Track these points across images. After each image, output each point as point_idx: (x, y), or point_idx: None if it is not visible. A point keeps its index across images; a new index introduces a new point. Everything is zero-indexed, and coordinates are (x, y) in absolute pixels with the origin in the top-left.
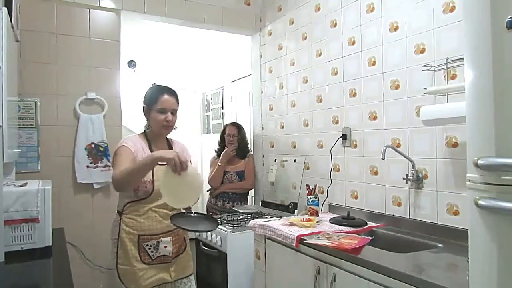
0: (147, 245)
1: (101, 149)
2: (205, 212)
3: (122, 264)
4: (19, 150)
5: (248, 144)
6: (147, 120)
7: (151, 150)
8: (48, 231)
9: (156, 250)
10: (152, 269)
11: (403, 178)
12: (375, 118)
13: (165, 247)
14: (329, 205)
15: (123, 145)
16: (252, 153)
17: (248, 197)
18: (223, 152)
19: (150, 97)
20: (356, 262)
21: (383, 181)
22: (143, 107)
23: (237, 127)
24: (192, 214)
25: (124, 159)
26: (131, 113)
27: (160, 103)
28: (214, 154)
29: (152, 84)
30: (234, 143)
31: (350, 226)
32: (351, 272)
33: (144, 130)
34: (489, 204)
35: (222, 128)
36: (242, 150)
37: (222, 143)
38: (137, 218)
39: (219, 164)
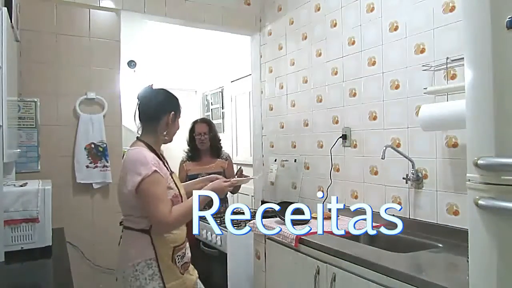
0: (178, 256)
1: (101, 149)
2: None
3: (170, 281)
4: (19, 150)
5: (220, 141)
6: (163, 127)
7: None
8: (48, 231)
9: (182, 258)
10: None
11: (403, 178)
12: (375, 118)
13: (188, 253)
14: None
15: (156, 171)
16: (229, 155)
17: (228, 198)
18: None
19: (177, 104)
20: (356, 262)
21: (383, 181)
22: (172, 113)
23: (207, 123)
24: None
25: (165, 194)
26: (131, 113)
27: (180, 111)
28: (183, 155)
29: (151, 85)
30: (205, 142)
31: None
32: (351, 272)
33: (143, 140)
34: (489, 204)
35: (221, 127)
36: (214, 149)
37: (192, 143)
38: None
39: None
